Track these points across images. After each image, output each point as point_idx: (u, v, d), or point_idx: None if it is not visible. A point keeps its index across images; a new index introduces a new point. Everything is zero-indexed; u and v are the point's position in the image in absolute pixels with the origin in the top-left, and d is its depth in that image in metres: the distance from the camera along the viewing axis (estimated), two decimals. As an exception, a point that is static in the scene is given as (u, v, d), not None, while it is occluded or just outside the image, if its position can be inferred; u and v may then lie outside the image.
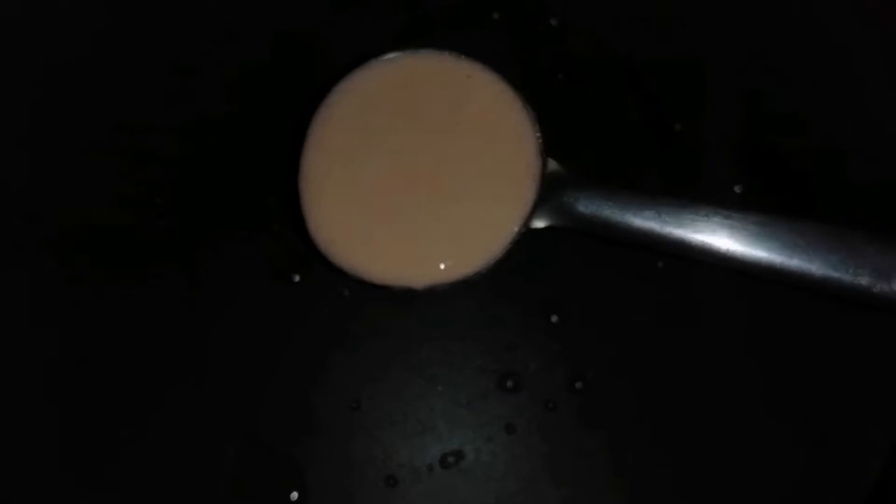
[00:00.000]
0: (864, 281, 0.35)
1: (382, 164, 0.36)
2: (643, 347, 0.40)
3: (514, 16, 0.45)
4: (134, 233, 0.42)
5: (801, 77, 0.44)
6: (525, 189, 0.36)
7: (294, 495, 0.39)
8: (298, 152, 0.42)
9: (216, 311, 0.41)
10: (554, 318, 0.41)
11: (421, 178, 0.36)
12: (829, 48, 0.44)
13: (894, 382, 0.40)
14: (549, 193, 0.37)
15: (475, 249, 0.36)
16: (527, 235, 0.37)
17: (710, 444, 0.39)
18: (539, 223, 0.37)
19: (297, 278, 0.41)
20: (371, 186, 0.36)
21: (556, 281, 0.41)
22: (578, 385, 0.40)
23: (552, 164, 0.38)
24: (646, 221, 0.36)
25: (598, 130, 0.43)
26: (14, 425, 0.40)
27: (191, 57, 0.44)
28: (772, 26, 0.44)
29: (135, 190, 0.43)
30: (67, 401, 0.40)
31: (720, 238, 0.36)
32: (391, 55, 0.38)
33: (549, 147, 0.38)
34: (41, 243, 0.42)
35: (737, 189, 0.42)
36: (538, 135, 0.37)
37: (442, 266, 0.35)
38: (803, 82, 0.43)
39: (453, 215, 0.36)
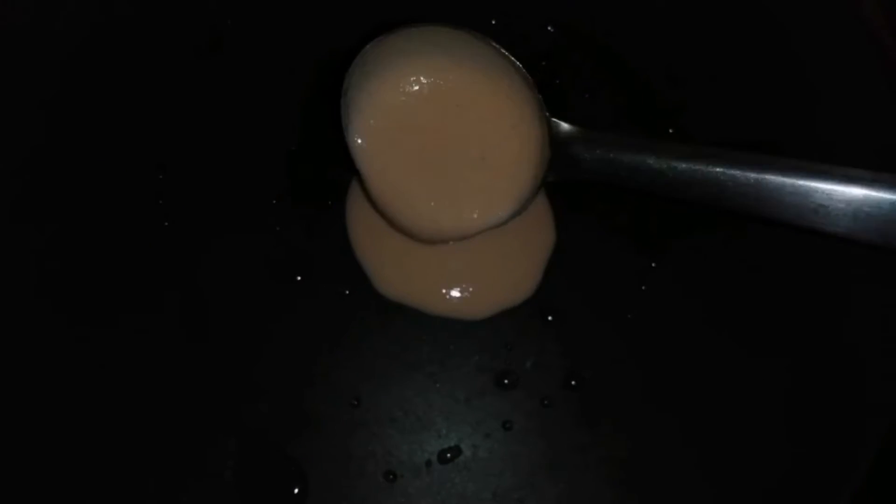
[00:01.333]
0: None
1: (416, 145, 0.39)
2: (637, 345, 0.41)
3: (512, 22, 0.45)
4: (135, 233, 0.42)
5: (794, 81, 0.45)
6: (532, 148, 0.39)
7: (295, 490, 0.39)
8: (301, 153, 0.43)
9: (217, 310, 0.41)
10: (549, 317, 0.41)
11: (447, 153, 0.39)
12: (824, 55, 0.45)
13: (884, 374, 0.41)
14: (558, 148, 0.39)
15: (499, 204, 0.39)
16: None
17: (706, 439, 0.40)
18: (553, 177, 0.40)
19: (298, 278, 0.42)
20: (410, 161, 0.39)
21: (552, 281, 0.42)
22: (574, 383, 0.41)
23: (558, 123, 0.40)
24: (644, 159, 0.38)
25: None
26: (13, 425, 0.40)
27: (191, 59, 0.45)
28: (768, 32, 0.45)
29: (137, 190, 0.43)
30: (69, 399, 0.40)
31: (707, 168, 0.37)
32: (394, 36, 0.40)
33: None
34: (40, 243, 0.42)
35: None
36: (538, 96, 0.39)
37: (474, 216, 0.39)
38: (797, 86, 0.44)
39: (478, 179, 0.39)
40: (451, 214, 0.39)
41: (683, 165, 0.37)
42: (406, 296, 0.42)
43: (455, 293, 0.42)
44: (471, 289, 0.42)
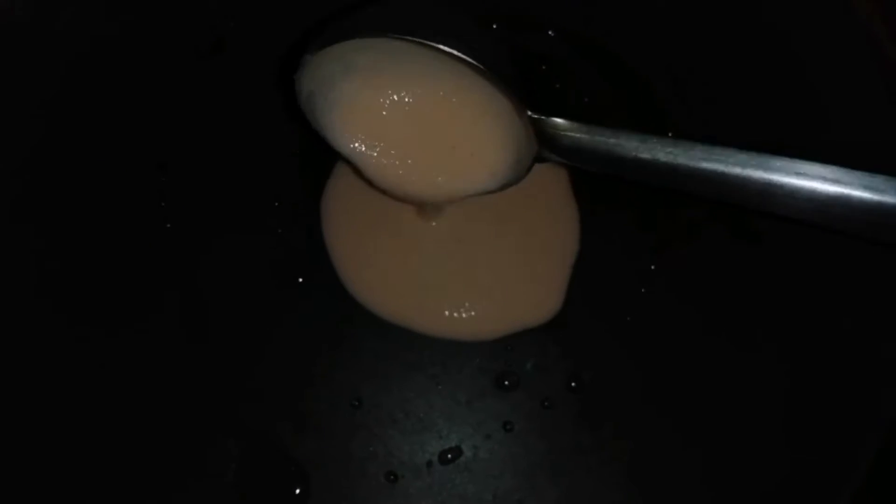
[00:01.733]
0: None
1: (396, 131, 0.39)
2: (637, 348, 0.41)
3: (512, 26, 0.46)
4: (136, 233, 0.43)
5: (793, 81, 0.45)
6: (500, 138, 0.39)
7: (297, 491, 0.39)
8: (303, 154, 0.44)
9: (220, 312, 0.41)
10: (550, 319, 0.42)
11: (422, 136, 0.39)
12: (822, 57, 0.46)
13: (883, 374, 0.41)
14: (550, 140, 0.39)
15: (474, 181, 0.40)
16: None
17: (706, 441, 0.40)
18: (539, 160, 0.40)
19: (300, 279, 0.42)
20: (392, 143, 0.39)
21: (552, 283, 0.42)
22: (574, 384, 0.41)
23: (547, 119, 0.39)
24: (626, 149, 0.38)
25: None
26: (13, 425, 0.40)
27: (192, 61, 0.45)
28: (767, 34, 0.46)
29: (138, 190, 0.43)
30: (69, 399, 0.40)
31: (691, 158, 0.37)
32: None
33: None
34: (40, 243, 0.42)
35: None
36: (516, 95, 0.38)
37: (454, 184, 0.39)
38: (796, 86, 0.45)
39: (454, 158, 0.39)
40: (430, 181, 0.40)
41: (679, 160, 0.37)
42: (402, 315, 0.42)
43: (459, 314, 0.42)
44: (475, 309, 0.42)
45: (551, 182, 0.43)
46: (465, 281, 0.42)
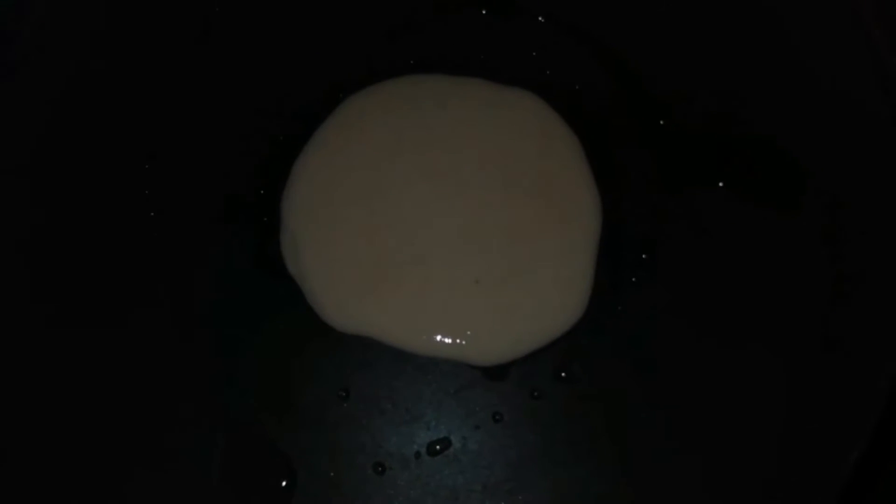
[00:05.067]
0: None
1: None
2: (627, 337, 0.41)
3: (502, 12, 0.45)
4: (123, 225, 0.42)
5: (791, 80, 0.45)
6: None
7: (283, 483, 0.39)
8: (289, 141, 0.43)
9: (206, 303, 0.41)
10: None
11: None
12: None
13: (872, 372, 0.41)
14: None
15: None
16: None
17: (695, 430, 0.40)
18: None
19: (287, 270, 0.41)
20: None
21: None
22: (564, 374, 0.40)
23: None
24: None
25: (585, 124, 0.43)
26: (11, 427, 0.40)
27: (180, 50, 0.45)
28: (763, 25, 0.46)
29: (125, 180, 0.43)
30: (60, 396, 0.40)
31: None
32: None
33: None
34: (36, 236, 0.42)
35: (720, 184, 0.43)
36: None
37: None
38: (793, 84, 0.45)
39: None
40: None
41: None
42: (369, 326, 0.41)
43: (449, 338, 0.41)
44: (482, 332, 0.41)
45: (566, 155, 0.42)
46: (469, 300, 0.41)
